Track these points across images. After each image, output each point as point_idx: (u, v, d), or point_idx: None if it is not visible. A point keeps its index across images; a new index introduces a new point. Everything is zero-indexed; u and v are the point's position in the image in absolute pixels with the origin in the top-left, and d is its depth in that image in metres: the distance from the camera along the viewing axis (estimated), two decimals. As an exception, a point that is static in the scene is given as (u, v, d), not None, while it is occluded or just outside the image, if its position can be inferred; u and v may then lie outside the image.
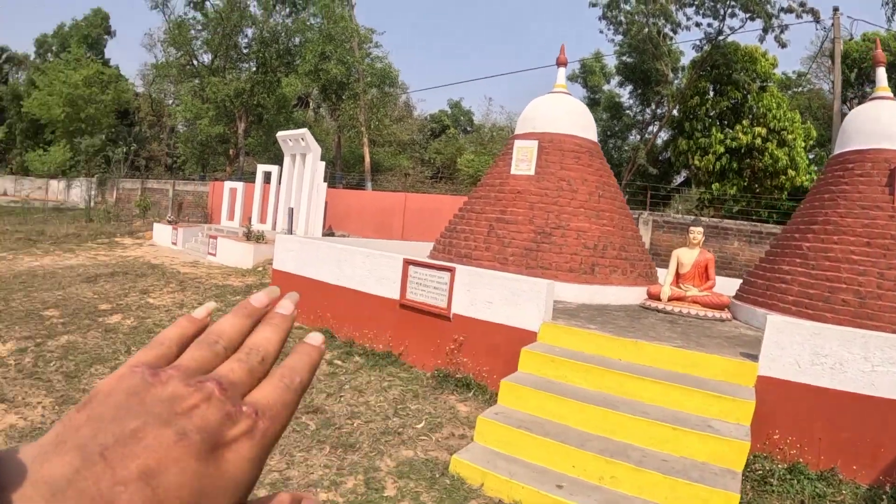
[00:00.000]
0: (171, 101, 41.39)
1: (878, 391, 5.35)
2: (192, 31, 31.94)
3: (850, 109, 13.56)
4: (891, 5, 24.02)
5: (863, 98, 22.62)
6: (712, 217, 20.22)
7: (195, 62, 33.27)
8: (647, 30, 24.08)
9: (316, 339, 0.50)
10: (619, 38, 26.43)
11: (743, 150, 22.56)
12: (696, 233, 9.34)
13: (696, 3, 23.09)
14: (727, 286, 10.32)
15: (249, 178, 25.32)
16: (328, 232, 20.04)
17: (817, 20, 21.72)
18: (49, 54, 46.76)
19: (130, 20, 75.15)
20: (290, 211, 18.26)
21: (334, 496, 4.65)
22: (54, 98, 37.25)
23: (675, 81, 26.83)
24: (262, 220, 20.56)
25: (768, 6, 21.67)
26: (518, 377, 6.17)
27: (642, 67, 27.28)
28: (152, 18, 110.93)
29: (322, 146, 20.38)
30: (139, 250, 19.02)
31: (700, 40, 24.20)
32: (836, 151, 8.95)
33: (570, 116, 10.65)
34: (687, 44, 57.97)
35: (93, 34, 45.81)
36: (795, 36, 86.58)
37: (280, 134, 20.01)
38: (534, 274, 8.61)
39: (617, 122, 31.70)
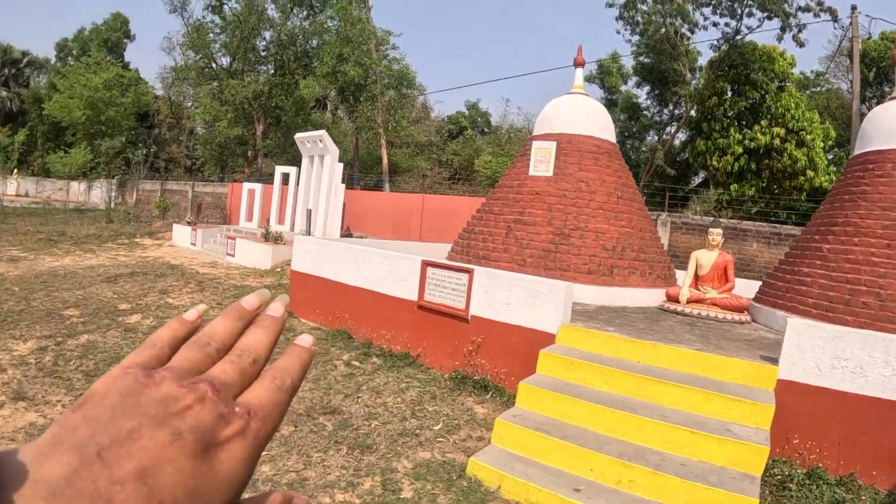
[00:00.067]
0: (190, 104, 41.78)
1: (900, 395, 5.30)
2: (211, 35, 32.16)
3: (868, 109, 13.44)
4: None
5: (882, 97, 22.45)
6: (731, 218, 20.06)
7: (214, 65, 33.50)
8: (664, 30, 23.91)
9: (306, 340, 0.50)
10: (636, 38, 26.32)
11: (761, 151, 22.39)
12: (716, 234, 9.29)
13: (713, 2, 22.92)
14: (746, 288, 10.26)
15: (268, 179, 25.51)
16: (346, 233, 20.09)
17: (835, 19, 21.49)
18: (69, 58, 47.31)
19: (150, 24, 75.67)
20: (309, 212, 18.35)
21: (351, 497, 4.66)
22: (75, 101, 37.66)
23: (693, 82, 26.68)
24: (281, 221, 20.65)
25: (786, 5, 21.46)
26: (536, 379, 6.16)
27: (660, 68, 27.12)
28: (171, 22, 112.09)
29: (340, 148, 20.44)
30: (159, 251, 19.19)
31: (717, 40, 24.06)
32: (856, 152, 8.88)
33: (589, 117, 10.62)
34: (704, 44, 57.62)
35: (112, 38, 46.27)
36: (813, 35, 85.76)
37: (298, 136, 20.09)
38: (552, 275, 8.59)
39: (634, 122, 31.55)
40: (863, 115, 11.41)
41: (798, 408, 5.57)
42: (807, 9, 21.40)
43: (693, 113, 25.47)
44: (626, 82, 32.49)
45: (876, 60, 24.54)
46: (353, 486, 4.83)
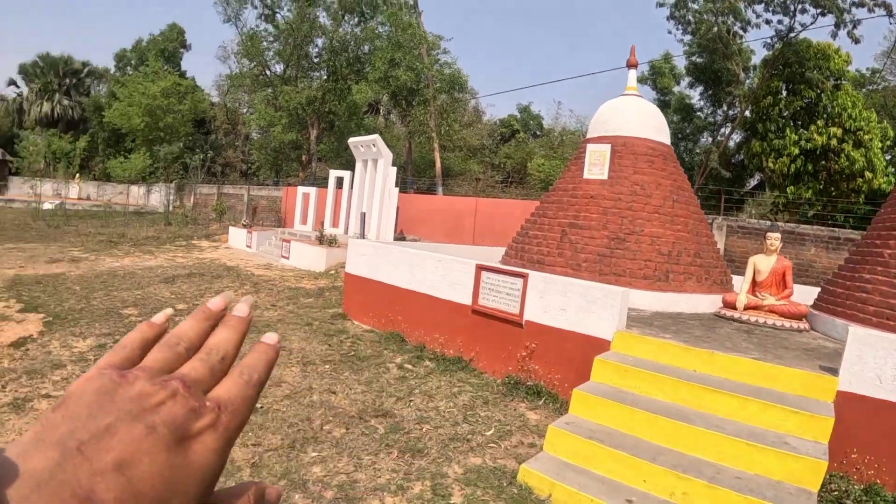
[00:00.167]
0: (245, 110, 42.59)
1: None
2: (265, 43, 32.87)
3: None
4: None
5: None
6: (787, 222, 19.64)
7: (268, 72, 34.14)
8: (716, 28, 23.52)
9: (271, 338, 0.53)
10: (687, 37, 25.92)
11: (818, 152, 21.85)
12: (774, 239, 9.07)
13: (765, -1, 22.52)
14: (804, 294, 10.04)
15: (322, 183, 25.85)
16: (399, 236, 20.24)
17: (890, 14, 20.81)
18: (128, 68, 48.82)
19: (205, 34, 77.68)
20: (363, 215, 18.55)
21: (400, 501, 4.66)
22: (134, 109, 38.94)
23: (747, 81, 26.12)
24: (335, 224, 20.93)
25: (839, 0, 20.94)
26: (590, 387, 6.09)
27: (712, 67, 26.70)
28: (226, 32, 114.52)
29: (393, 151, 20.61)
30: (215, 253, 19.63)
31: (771, 38, 23.54)
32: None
33: (643, 119, 10.48)
34: (757, 42, 56.21)
35: (169, 48, 47.60)
36: (868, 31, 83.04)
37: (352, 140, 20.35)
38: (607, 281, 8.54)
39: (688, 124, 31.06)
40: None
41: (857, 421, 5.42)
42: (861, 4, 20.80)
43: (747, 113, 24.99)
44: (678, 83, 32.03)
45: (935, 56, 23.75)
46: (403, 489, 4.82)
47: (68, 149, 38.87)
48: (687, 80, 30.27)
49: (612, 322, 6.91)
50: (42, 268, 13.78)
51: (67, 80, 52.46)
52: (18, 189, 41.08)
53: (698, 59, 27.54)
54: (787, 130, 22.59)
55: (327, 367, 7.84)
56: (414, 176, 31.99)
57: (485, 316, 8.27)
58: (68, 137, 41.05)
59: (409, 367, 8.16)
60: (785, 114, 23.28)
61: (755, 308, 8.75)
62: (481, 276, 8.33)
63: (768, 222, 16.96)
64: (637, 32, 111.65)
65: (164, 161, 38.67)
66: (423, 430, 6.08)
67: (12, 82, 53.24)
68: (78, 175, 42.74)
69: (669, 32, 31.66)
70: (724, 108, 29.60)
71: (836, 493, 5.20)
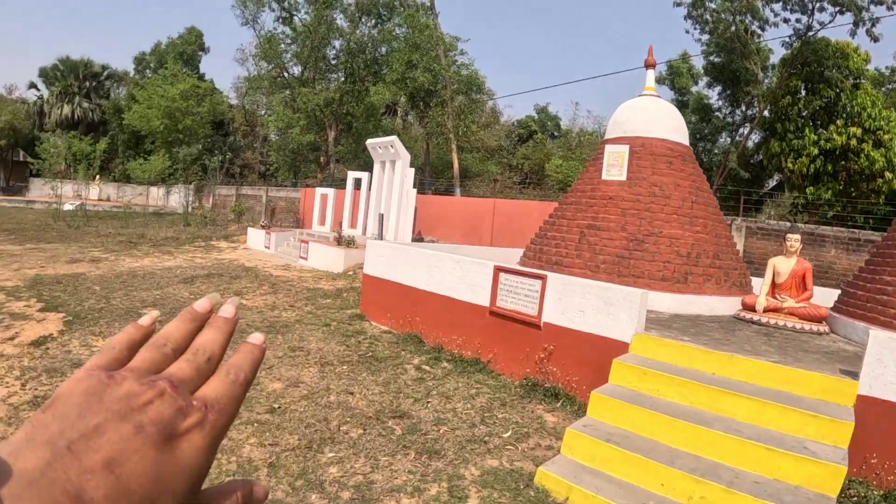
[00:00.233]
0: (263, 112, 42.82)
1: None
2: (282, 45, 33.11)
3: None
4: None
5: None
6: (807, 223, 19.47)
7: (285, 74, 34.37)
8: (733, 28, 23.41)
9: (257, 338, 0.54)
10: (705, 37, 25.88)
11: (837, 152, 21.67)
12: (794, 240, 8.96)
13: (782, -2, 22.38)
14: (824, 297, 9.95)
15: (340, 184, 25.96)
16: (417, 237, 20.27)
17: (908, 11, 20.68)
18: (147, 70, 49.47)
19: (223, 37, 78.30)
20: (381, 216, 18.59)
21: (417, 502, 4.65)
22: (153, 111, 39.39)
23: (765, 81, 25.98)
24: (353, 225, 21.02)
25: (857, -2, 20.80)
26: (608, 389, 6.06)
27: (730, 67, 26.54)
28: (243, 34, 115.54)
29: (411, 153, 20.64)
30: (234, 253, 19.76)
31: (789, 37, 23.44)
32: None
33: (662, 119, 10.39)
34: (776, 41, 55.74)
35: (188, 51, 48.12)
36: (887, 29, 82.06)
37: (369, 141, 20.43)
38: (625, 282, 8.50)
39: (706, 124, 30.90)
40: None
41: (878, 425, 5.35)
42: (880, 1, 20.63)
43: (766, 113, 24.81)
44: (696, 83, 31.90)
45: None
46: (420, 491, 4.81)
47: (88, 151, 39.27)
48: (705, 79, 30.16)
49: (630, 324, 6.87)
50: (62, 268, 13.93)
51: (87, 83, 53.00)
52: (39, 190, 41.69)
53: (716, 59, 27.40)
54: (807, 130, 22.42)
55: (345, 367, 7.87)
56: (432, 177, 32.03)
57: (502, 317, 8.25)
58: (88, 139, 41.45)
59: (427, 368, 8.15)
60: (804, 113, 23.10)
61: (775, 310, 8.66)
62: (499, 278, 8.32)
63: (788, 223, 16.83)
64: (654, 32, 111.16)
65: (184, 162, 39.01)
66: (441, 431, 6.07)
67: (33, 85, 53.84)
68: (98, 176, 43.13)
69: (687, 32, 31.45)
70: (743, 107, 29.45)
71: (856, 498, 5.14)
